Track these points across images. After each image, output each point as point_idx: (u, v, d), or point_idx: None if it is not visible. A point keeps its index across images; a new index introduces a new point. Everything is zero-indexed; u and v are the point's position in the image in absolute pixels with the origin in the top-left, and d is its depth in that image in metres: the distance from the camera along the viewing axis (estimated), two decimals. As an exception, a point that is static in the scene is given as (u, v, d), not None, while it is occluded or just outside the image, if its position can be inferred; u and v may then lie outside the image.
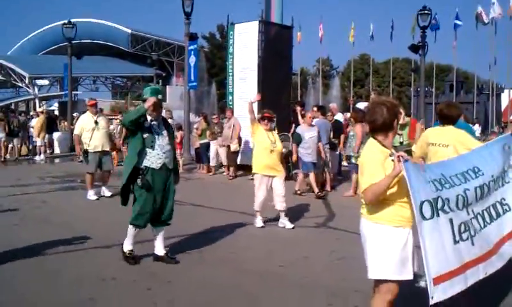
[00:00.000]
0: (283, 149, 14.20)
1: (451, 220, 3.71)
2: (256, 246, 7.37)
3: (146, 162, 6.16)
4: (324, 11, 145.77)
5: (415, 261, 3.77)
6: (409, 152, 8.83)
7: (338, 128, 13.77)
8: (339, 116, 15.52)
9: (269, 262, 6.53)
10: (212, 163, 15.88)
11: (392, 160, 3.73)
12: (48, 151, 22.30)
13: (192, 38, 19.42)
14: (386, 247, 3.73)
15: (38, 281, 5.68)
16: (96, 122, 11.10)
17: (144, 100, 6.20)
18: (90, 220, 8.90)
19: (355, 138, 11.96)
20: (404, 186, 3.66)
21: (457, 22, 44.36)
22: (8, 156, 22.05)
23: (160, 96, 6.26)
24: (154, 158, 6.18)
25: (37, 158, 21.09)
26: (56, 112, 35.72)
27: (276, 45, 16.20)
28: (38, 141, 21.23)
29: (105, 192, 11.38)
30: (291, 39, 17.13)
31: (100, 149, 11.10)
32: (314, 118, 12.29)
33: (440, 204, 3.64)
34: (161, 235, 6.46)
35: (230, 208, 10.27)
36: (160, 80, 36.14)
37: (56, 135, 24.07)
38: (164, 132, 6.33)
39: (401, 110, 13.87)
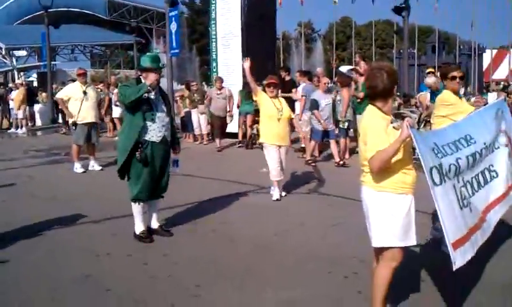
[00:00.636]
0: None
1: (454, 186, 3.71)
2: (249, 215, 7.31)
3: (146, 136, 5.93)
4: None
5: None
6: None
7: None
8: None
9: (263, 231, 6.48)
10: (197, 132, 15.72)
11: (394, 127, 3.68)
12: (29, 124, 21.94)
13: (173, 3, 18.97)
14: (390, 214, 3.71)
15: (31, 258, 5.57)
16: (85, 92, 10.74)
17: (143, 69, 5.97)
18: (79, 195, 8.75)
19: (342, 103, 11.88)
20: (406, 152, 3.64)
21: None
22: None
23: (161, 64, 6.03)
24: (154, 132, 5.96)
25: (19, 131, 20.77)
26: (35, 84, 35.07)
27: (259, 8, 15.95)
28: (19, 114, 20.86)
29: (95, 165, 11.14)
30: (274, 2, 16.87)
31: (89, 121, 10.78)
32: (300, 83, 12.16)
33: (444, 170, 3.63)
34: (156, 207, 6.36)
35: (219, 176, 10.21)
36: (137, 48, 35.47)
37: (36, 107, 23.65)
38: (163, 104, 6.10)
39: None
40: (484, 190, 4.15)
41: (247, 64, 8.37)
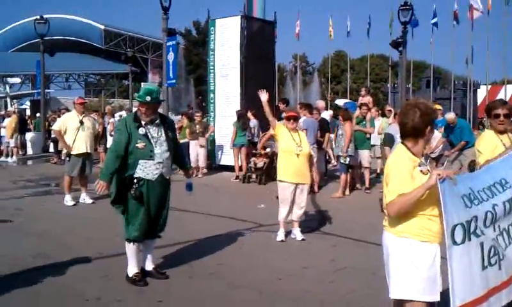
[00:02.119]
0: (268, 149, 13.94)
1: (482, 244, 3.41)
2: (249, 256, 6.90)
3: (140, 173, 5.51)
4: (299, 6, 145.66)
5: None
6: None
7: (323, 127, 13.35)
8: (325, 114, 15.14)
9: (265, 275, 6.06)
10: (193, 164, 15.34)
11: (421, 171, 3.36)
12: (20, 153, 21.49)
13: (171, 33, 18.84)
14: (411, 264, 3.36)
15: (14, 300, 5.13)
16: (81, 122, 10.42)
17: (138, 101, 5.60)
18: (69, 230, 8.32)
19: (344, 137, 11.57)
20: (434, 198, 3.30)
21: (435, 19, 44.46)
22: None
23: (148, 99, 5.52)
24: (151, 169, 5.55)
25: (9, 160, 20.32)
26: (28, 111, 34.70)
27: (258, 40, 15.78)
28: (11, 142, 20.44)
29: (86, 199, 10.65)
30: (273, 34, 16.69)
31: (84, 151, 10.40)
32: (300, 116, 11.85)
33: (472, 227, 3.33)
34: (151, 248, 5.93)
35: (215, 212, 9.79)
36: (132, 77, 35.22)
37: (28, 135, 23.21)
38: (163, 137, 5.66)
39: (390, 108, 13.68)
40: None
41: (265, 96, 7.83)
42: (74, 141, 10.27)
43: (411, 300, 3.39)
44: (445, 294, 3.34)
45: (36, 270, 6.13)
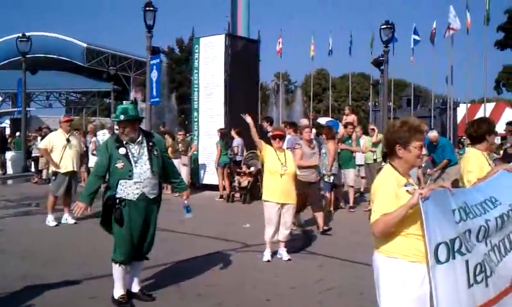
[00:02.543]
0: (252, 168, 13.93)
1: (467, 262, 3.37)
2: (237, 277, 6.84)
3: (121, 193, 5.46)
4: (281, 25, 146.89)
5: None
6: None
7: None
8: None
9: (253, 294, 6.05)
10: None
11: (407, 191, 3.36)
12: (0, 172, 21.20)
13: (154, 51, 18.80)
14: (401, 284, 3.34)
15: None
16: (68, 140, 10.34)
17: (117, 120, 5.57)
18: (54, 250, 8.19)
19: (327, 156, 11.61)
20: (420, 218, 3.28)
21: (416, 37, 45.01)
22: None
23: (122, 117, 5.45)
24: (130, 189, 5.48)
25: (-12, 179, 20.02)
26: (8, 130, 34.31)
27: (242, 59, 15.86)
28: (-9, 161, 20.16)
29: (69, 219, 10.40)
30: (258, 53, 16.79)
31: (71, 169, 10.31)
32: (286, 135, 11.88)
33: (457, 245, 3.31)
34: (138, 270, 5.86)
35: (201, 232, 9.69)
36: (114, 95, 35.06)
37: (8, 155, 22.92)
38: (145, 156, 5.58)
39: (373, 127, 13.76)
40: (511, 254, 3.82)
41: (249, 119, 7.86)
42: (61, 160, 10.17)
43: None
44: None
45: (23, 291, 6.02)
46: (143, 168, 5.54)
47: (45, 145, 10.50)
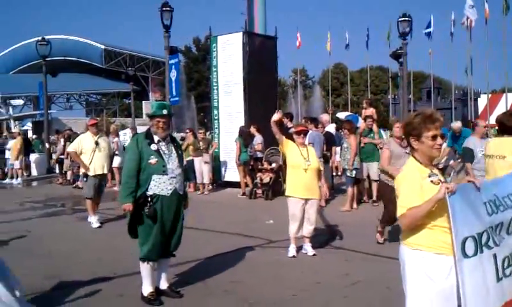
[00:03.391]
0: (273, 164, 13.96)
1: (495, 256, 3.36)
2: (262, 273, 6.88)
3: (155, 189, 5.55)
4: (298, 20, 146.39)
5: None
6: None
7: (329, 140, 13.40)
8: (330, 127, 15.18)
9: (279, 290, 6.07)
10: (198, 181, 15.37)
11: (432, 182, 3.36)
12: (25, 174, 21.53)
13: (173, 51, 18.95)
14: (426, 276, 3.33)
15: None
16: (97, 143, 10.32)
17: (151, 116, 5.70)
18: (80, 250, 8.31)
19: (349, 150, 11.59)
20: (447, 210, 3.27)
21: (429, 30, 44.68)
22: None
23: (165, 112, 5.66)
24: (164, 185, 5.58)
25: (14, 181, 20.33)
26: (30, 133, 34.78)
27: (260, 56, 15.82)
28: (16, 164, 20.46)
29: (93, 221, 10.38)
30: (275, 49, 16.76)
31: (100, 172, 10.30)
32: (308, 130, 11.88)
33: (484, 239, 3.30)
34: (165, 267, 5.93)
35: (224, 229, 9.80)
36: (133, 96, 35.29)
37: (32, 157, 23.28)
38: (174, 154, 5.74)
39: (398, 125, 13.55)
40: None
41: (277, 116, 7.86)
42: (90, 162, 10.16)
43: None
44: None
45: (51, 290, 6.15)
46: (174, 164, 5.68)
47: (74, 148, 10.48)
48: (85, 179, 10.42)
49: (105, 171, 10.46)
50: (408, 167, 3.52)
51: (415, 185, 3.35)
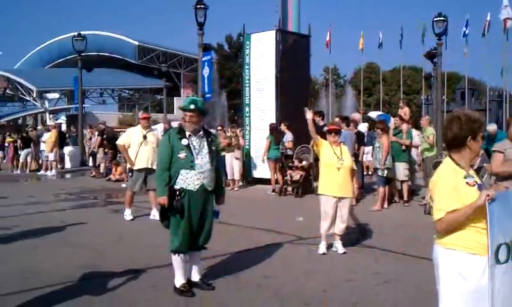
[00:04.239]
0: (304, 162, 13.97)
1: None
2: (292, 268, 6.91)
3: (182, 183, 5.66)
4: (330, 18, 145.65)
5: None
6: None
7: (359, 140, 13.35)
8: (362, 127, 15.10)
9: (310, 286, 6.10)
10: (229, 177, 15.47)
11: (467, 183, 3.35)
12: (59, 166, 22.00)
13: (206, 48, 19.11)
14: (460, 276, 3.33)
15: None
16: (145, 136, 10.29)
17: (183, 109, 5.79)
18: (114, 242, 8.50)
19: (381, 150, 11.53)
20: (483, 212, 3.25)
21: (466, 29, 43.99)
22: (18, 171, 21.93)
23: (192, 107, 5.70)
24: (191, 179, 5.67)
25: (48, 173, 20.80)
26: (63, 126, 35.48)
27: (293, 54, 15.86)
28: (51, 156, 20.93)
29: (157, 215, 9.41)
30: (308, 48, 16.76)
31: (145, 166, 10.17)
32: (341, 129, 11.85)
33: None
34: (196, 259, 6.03)
35: (254, 225, 9.87)
36: (165, 92, 35.71)
37: (66, 149, 23.77)
38: (205, 149, 5.80)
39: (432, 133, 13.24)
40: None
41: (310, 114, 7.87)
42: (136, 156, 10.19)
43: None
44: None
45: (86, 280, 6.29)
46: (203, 160, 5.74)
47: (123, 142, 10.54)
48: (130, 174, 10.50)
49: (150, 166, 10.10)
50: (445, 168, 3.48)
51: (452, 187, 3.34)
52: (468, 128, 3.45)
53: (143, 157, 10.19)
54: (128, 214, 10.43)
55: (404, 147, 12.14)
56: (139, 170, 10.22)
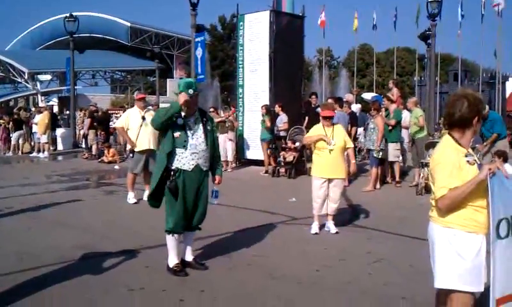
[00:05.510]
0: (297, 144, 13.98)
1: None
2: (285, 248, 6.96)
3: (177, 163, 5.67)
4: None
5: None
6: None
7: (352, 120, 13.36)
8: (354, 108, 15.10)
9: (302, 266, 6.14)
10: (222, 158, 15.45)
11: (468, 162, 3.37)
12: (51, 148, 21.92)
13: (199, 29, 18.98)
14: (457, 254, 3.36)
15: (63, 290, 5.27)
16: (143, 118, 10.04)
17: (187, 93, 5.72)
18: (107, 223, 8.50)
19: (375, 131, 11.54)
20: (481, 190, 3.29)
21: (461, 12, 43.94)
22: (10, 153, 21.84)
23: (191, 91, 5.68)
24: (186, 159, 5.69)
25: (40, 155, 20.72)
26: (55, 108, 35.29)
27: (287, 35, 15.76)
28: (43, 138, 20.82)
29: None
30: (302, 29, 16.65)
31: (147, 148, 10.03)
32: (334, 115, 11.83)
33: None
34: (190, 240, 6.05)
35: (248, 206, 9.90)
36: (157, 74, 35.53)
37: (59, 131, 23.66)
38: (200, 130, 5.80)
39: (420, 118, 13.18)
40: None
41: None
42: (137, 138, 10.01)
43: (455, 290, 3.40)
44: (485, 286, 3.39)
45: (79, 260, 6.30)
46: (198, 140, 5.75)
47: (122, 124, 10.36)
48: (131, 155, 10.35)
49: (152, 147, 10.04)
50: (445, 147, 3.49)
51: (455, 165, 3.35)
52: (476, 109, 3.47)
53: (144, 138, 10.01)
54: (131, 197, 10.25)
55: (390, 127, 12.04)
56: (141, 152, 10.08)
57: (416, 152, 12.10)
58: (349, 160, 8.03)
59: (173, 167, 5.67)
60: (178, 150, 5.67)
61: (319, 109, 9.55)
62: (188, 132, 5.73)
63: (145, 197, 10.16)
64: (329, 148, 7.60)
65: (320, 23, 49.06)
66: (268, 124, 14.46)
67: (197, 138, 5.76)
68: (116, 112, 28.12)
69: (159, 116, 5.77)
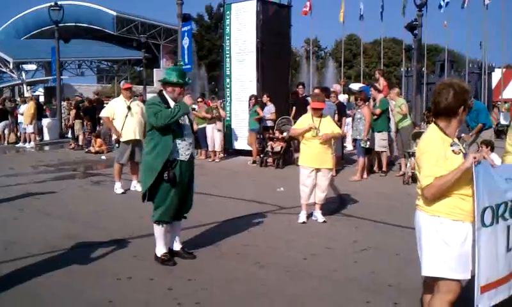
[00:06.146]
0: (285, 134, 13.99)
1: (508, 228, 3.50)
2: (272, 237, 6.99)
3: (175, 155, 5.66)
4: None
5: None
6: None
7: (340, 111, 13.37)
8: (340, 98, 15.11)
9: (290, 254, 6.18)
10: (210, 148, 15.47)
11: (453, 151, 3.40)
12: (37, 139, 21.74)
13: (186, 19, 18.89)
14: (443, 242, 3.41)
15: (51, 279, 5.27)
16: (129, 108, 9.98)
17: (167, 83, 5.72)
18: (94, 213, 8.46)
19: (362, 121, 11.59)
20: (467, 178, 3.33)
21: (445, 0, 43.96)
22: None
23: (179, 80, 5.71)
24: (183, 150, 5.71)
25: (26, 145, 20.55)
26: (41, 98, 34.96)
27: (274, 25, 15.73)
28: (29, 128, 20.64)
29: (137, 186, 9.72)
30: (289, 18, 16.61)
31: (132, 138, 9.96)
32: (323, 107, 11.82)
33: (501, 210, 3.41)
34: (178, 229, 6.06)
35: (236, 195, 9.94)
36: (144, 63, 35.34)
37: (44, 121, 23.47)
38: (187, 120, 5.85)
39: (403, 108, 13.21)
40: None
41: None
42: (122, 128, 9.94)
43: (442, 278, 3.44)
44: (472, 273, 3.44)
45: (68, 250, 6.29)
46: (189, 130, 5.81)
47: (107, 113, 10.27)
48: (117, 145, 10.30)
49: (138, 137, 9.99)
50: (431, 136, 3.51)
51: (440, 154, 3.38)
52: (463, 98, 3.49)
53: (130, 128, 9.95)
54: (118, 187, 10.20)
55: (375, 117, 11.97)
56: (126, 142, 10.02)
57: (401, 141, 12.16)
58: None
59: (170, 159, 5.64)
60: (177, 140, 5.67)
61: (309, 99, 9.55)
62: (181, 123, 5.75)
63: (132, 187, 10.27)
64: (317, 138, 7.64)
65: (302, 12, 48.64)
66: (261, 114, 14.45)
67: (188, 128, 5.82)
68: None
69: (164, 116, 5.56)
